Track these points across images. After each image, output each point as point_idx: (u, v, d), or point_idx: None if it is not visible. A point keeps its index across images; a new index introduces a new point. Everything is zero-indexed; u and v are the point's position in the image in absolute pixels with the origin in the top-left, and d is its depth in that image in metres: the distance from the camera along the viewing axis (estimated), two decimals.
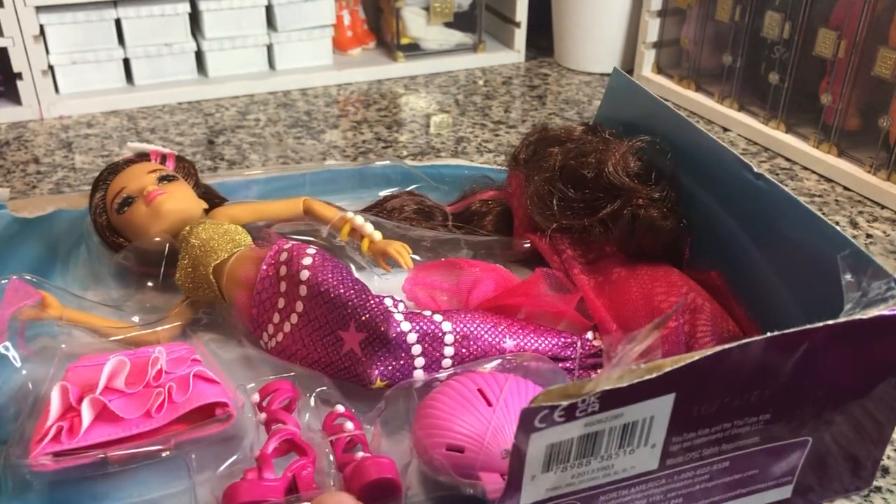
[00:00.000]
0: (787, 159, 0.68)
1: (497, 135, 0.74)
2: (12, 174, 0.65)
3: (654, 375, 0.24)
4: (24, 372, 0.37)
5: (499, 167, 0.64)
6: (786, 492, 0.31)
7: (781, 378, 0.27)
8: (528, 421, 0.24)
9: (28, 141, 0.72)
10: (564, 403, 0.24)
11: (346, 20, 0.88)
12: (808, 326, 0.25)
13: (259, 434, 0.33)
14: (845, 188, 0.63)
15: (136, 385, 0.33)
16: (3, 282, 0.40)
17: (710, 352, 0.24)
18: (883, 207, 0.60)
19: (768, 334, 0.25)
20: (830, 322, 0.26)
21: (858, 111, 0.63)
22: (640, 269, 0.44)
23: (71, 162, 0.68)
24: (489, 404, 0.32)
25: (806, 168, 0.66)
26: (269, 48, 0.83)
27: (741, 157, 0.41)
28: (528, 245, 0.50)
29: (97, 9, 0.74)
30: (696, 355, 0.24)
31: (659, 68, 0.83)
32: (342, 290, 0.38)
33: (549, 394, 0.24)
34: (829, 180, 0.65)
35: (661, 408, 0.26)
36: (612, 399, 0.24)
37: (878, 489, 0.34)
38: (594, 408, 0.24)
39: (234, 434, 0.33)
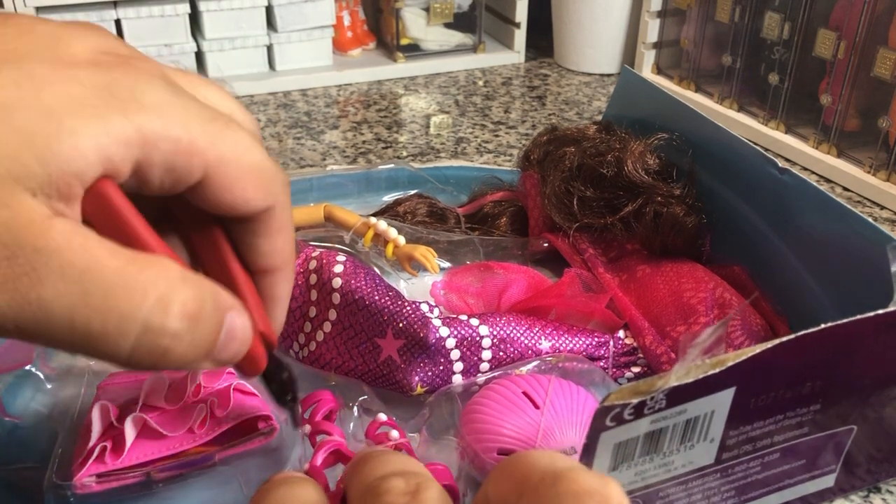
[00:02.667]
0: (787, 160, 0.69)
1: (497, 135, 0.74)
2: None
3: (718, 370, 0.24)
4: (52, 391, 0.36)
5: (499, 167, 0.64)
6: (829, 481, 0.32)
7: (833, 368, 0.27)
8: (601, 420, 0.24)
9: None
10: (635, 401, 0.24)
11: (346, 21, 0.88)
12: (863, 316, 0.26)
13: (305, 446, 0.32)
14: (845, 188, 0.65)
15: (175, 401, 0.32)
16: None
17: (769, 344, 0.25)
18: (882, 208, 0.62)
19: (822, 326, 0.26)
20: (882, 311, 0.26)
21: (858, 112, 0.65)
22: (664, 266, 0.45)
23: None
24: (536, 407, 0.32)
25: (806, 168, 0.68)
26: (269, 49, 0.82)
27: (764, 152, 0.42)
28: (547, 245, 0.50)
29: (97, 9, 0.73)
30: (757, 348, 0.25)
31: (659, 69, 0.84)
32: (377, 297, 0.38)
33: (620, 392, 0.24)
34: (828, 181, 0.66)
35: (722, 402, 0.26)
36: (678, 395, 0.25)
37: (878, 489, 0.34)
38: (661, 404, 0.25)
39: (278, 447, 0.33)
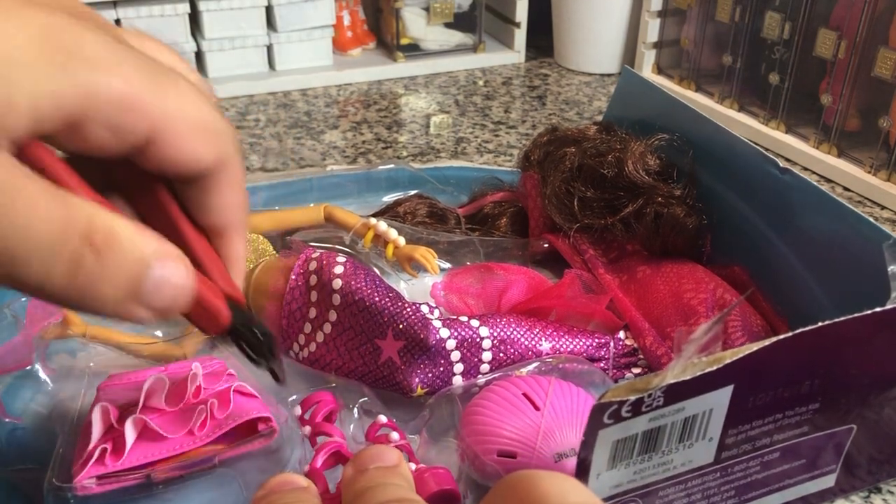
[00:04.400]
0: (788, 160, 0.69)
1: (497, 135, 0.74)
2: None
3: (714, 368, 0.25)
4: (52, 392, 0.36)
5: (499, 167, 0.64)
6: (829, 481, 0.32)
7: (831, 367, 0.27)
8: (598, 417, 0.24)
9: None
10: (632, 398, 0.24)
11: (346, 20, 0.88)
12: (860, 314, 0.26)
13: (305, 447, 0.32)
14: (845, 188, 0.64)
15: (176, 403, 0.32)
16: (22, 300, 0.39)
17: (767, 342, 0.25)
18: (883, 208, 0.61)
19: (820, 323, 0.26)
20: (879, 310, 0.26)
21: (858, 111, 0.65)
22: (664, 267, 0.45)
23: None
24: (536, 408, 0.32)
25: (806, 168, 0.68)
26: (269, 48, 0.82)
27: (764, 152, 0.42)
28: (547, 245, 0.50)
29: (97, 9, 0.73)
30: (754, 346, 0.25)
31: (659, 69, 0.84)
32: (377, 298, 0.38)
33: (617, 390, 0.24)
34: (828, 181, 0.66)
35: (720, 400, 0.26)
36: (676, 393, 0.25)
37: (878, 489, 0.34)
38: (659, 402, 0.25)
39: (278, 448, 0.33)
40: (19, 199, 0.15)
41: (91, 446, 0.30)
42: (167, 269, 0.17)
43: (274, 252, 0.43)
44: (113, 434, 0.31)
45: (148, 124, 0.17)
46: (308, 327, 0.39)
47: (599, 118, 0.67)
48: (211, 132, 0.18)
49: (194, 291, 0.19)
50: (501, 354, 0.38)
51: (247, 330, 0.21)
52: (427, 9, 0.87)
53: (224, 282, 0.21)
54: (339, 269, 0.39)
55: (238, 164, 0.20)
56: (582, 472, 0.25)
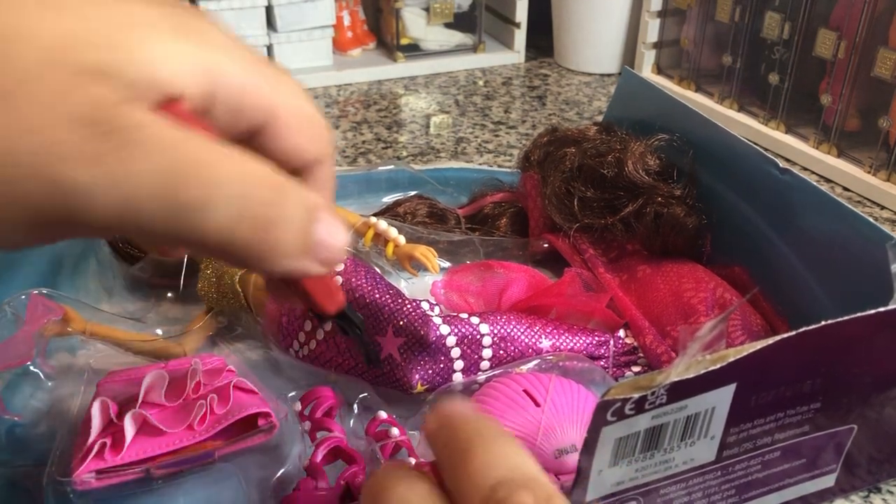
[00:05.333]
0: (787, 160, 0.69)
1: (497, 135, 0.74)
2: None
3: (718, 366, 0.24)
4: (52, 389, 0.36)
5: (500, 168, 0.64)
6: (829, 481, 0.32)
7: (833, 366, 0.27)
8: (602, 415, 0.24)
9: None
10: (636, 396, 0.24)
11: (346, 21, 0.88)
12: (863, 314, 0.26)
13: (305, 443, 0.32)
14: (845, 188, 0.65)
15: (175, 398, 0.32)
16: (22, 297, 0.38)
17: (770, 341, 0.25)
18: (883, 208, 0.62)
19: (823, 323, 0.26)
20: (882, 310, 0.26)
21: (858, 112, 0.65)
22: (664, 266, 0.45)
23: None
24: (537, 405, 0.32)
25: (806, 168, 0.68)
26: (269, 48, 0.82)
27: (764, 152, 0.42)
28: (547, 245, 0.50)
29: None
30: (757, 345, 0.25)
31: (659, 69, 0.84)
32: (377, 296, 0.38)
33: (621, 387, 0.24)
34: (828, 181, 0.66)
35: (723, 398, 0.26)
36: (679, 391, 0.25)
37: (878, 489, 0.34)
38: (662, 400, 0.25)
39: (278, 444, 0.33)
40: (186, 150, 0.15)
41: (90, 441, 0.30)
42: (328, 220, 0.18)
43: None
44: (112, 429, 0.31)
45: (263, 113, 0.18)
46: (308, 325, 0.39)
47: (599, 118, 0.67)
48: (316, 129, 0.19)
49: (343, 248, 0.19)
50: (502, 352, 0.38)
51: (350, 313, 0.23)
52: (427, 9, 0.87)
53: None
54: (339, 267, 0.39)
55: (332, 163, 0.21)
56: (583, 468, 0.25)
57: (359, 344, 0.24)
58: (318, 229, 0.18)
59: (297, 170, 0.20)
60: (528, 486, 0.15)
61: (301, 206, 0.17)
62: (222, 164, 0.16)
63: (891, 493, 0.34)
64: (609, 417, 0.24)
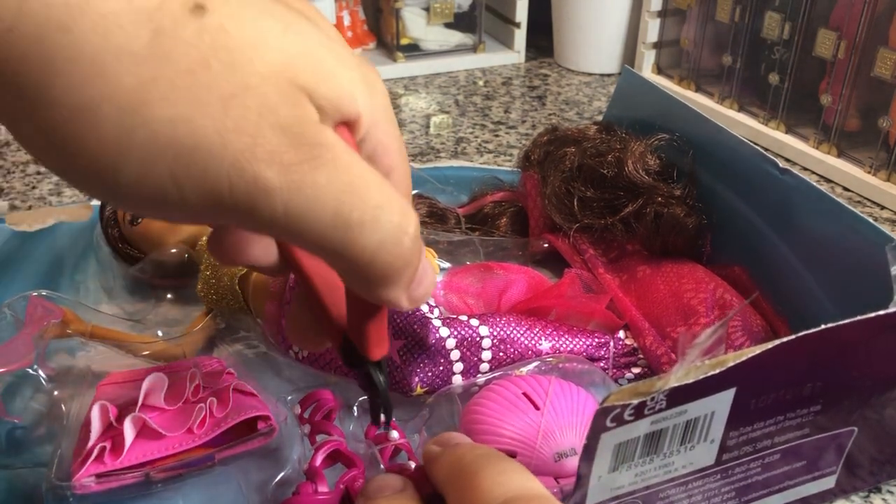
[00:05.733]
0: (787, 160, 0.69)
1: (497, 135, 0.74)
2: (12, 174, 0.64)
3: (717, 371, 0.24)
4: (51, 392, 0.36)
5: (499, 167, 0.64)
6: (830, 482, 0.32)
7: (833, 369, 0.27)
8: (601, 420, 0.24)
9: None
10: (635, 402, 0.24)
11: (346, 21, 0.88)
12: (862, 317, 0.26)
13: (305, 446, 0.32)
14: (845, 189, 0.64)
15: (175, 401, 0.32)
16: (22, 300, 0.38)
17: (769, 345, 0.25)
18: (883, 208, 0.61)
19: (822, 326, 0.26)
20: (882, 312, 0.26)
21: (858, 112, 0.65)
22: (664, 267, 0.44)
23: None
24: (536, 408, 0.32)
25: (806, 168, 0.68)
26: None
27: (764, 152, 0.42)
28: (547, 245, 0.50)
29: None
30: (757, 349, 0.25)
31: (659, 69, 0.84)
32: None
33: (620, 393, 0.24)
34: (828, 181, 0.66)
35: (722, 402, 0.26)
36: (678, 396, 0.25)
37: (878, 489, 0.34)
38: (661, 405, 0.25)
39: (277, 447, 0.33)
40: (361, 174, 0.17)
41: (90, 445, 0.30)
42: (426, 262, 0.19)
43: None
44: (112, 432, 0.31)
45: (384, 169, 0.20)
46: None
47: (599, 118, 0.67)
48: (399, 142, 0.21)
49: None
50: (501, 354, 0.38)
51: (383, 367, 0.23)
52: (427, 9, 0.87)
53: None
54: None
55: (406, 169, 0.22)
56: (583, 474, 0.25)
57: (376, 402, 0.24)
58: (420, 270, 0.19)
59: (384, 168, 0.21)
60: (539, 502, 0.16)
61: (420, 248, 0.19)
62: (382, 191, 0.17)
63: (890, 492, 0.34)
64: (608, 423, 0.24)
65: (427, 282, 0.19)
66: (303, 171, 0.16)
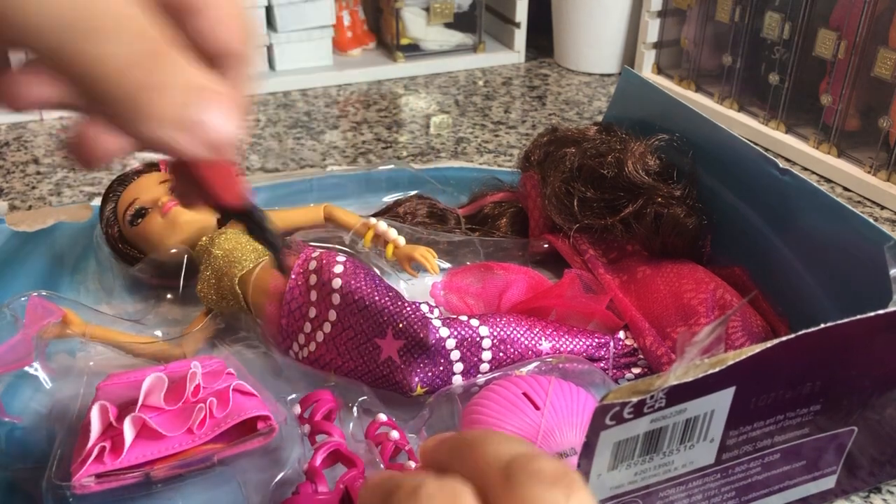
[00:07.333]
0: (787, 160, 0.69)
1: (497, 135, 0.74)
2: (12, 174, 0.64)
3: (717, 370, 0.24)
4: (51, 392, 0.36)
5: (499, 167, 0.64)
6: (830, 482, 0.32)
7: (833, 368, 0.27)
8: (600, 419, 0.24)
9: (28, 141, 0.70)
10: (634, 400, 0.24)
11: (346, 21, 0.88)
12: (862, 317, 0.26)
13: (305, 446, 0.32)
14: (845, 188, 0.64)
15: (175, 401, 0.32)
16: (22, 300, 0.38)
17: (769, 344, 0.25)
18: (883, 208, 0.61)
19: (822, 325, 0.26)
20: (881, 312, 0.26)
21: (858, 112, 0.65)
22: (664, 267, 0.44)
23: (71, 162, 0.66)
24: (536, 408, 0.32)
25: (806, 168, 0.68)
26: (269, 49, 0.82)
27: (764, 153, 0.42)
28: (547, 246, 0.50)
29: None
30: (756, 348, 0.25)
31: (659, 69, 0.84)
32: (377, 298, 0.37)
33: (619, 391, 0.24)
34: (828, 181, 0.66)
35: (722, 401, 0.26)
36: (678, 394, 0.25)
37: (878, 489, 0.34)
38: (661, 403, 0.25)
39: (277, 447, 0.33)
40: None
41: (90, 445, 0.30)
42: (218, 106, 0.19)
43: None
44: (112, 432, 0.31)
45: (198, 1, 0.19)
46: (308, 327, 0.39)
47: (599, 118, 0.67)
48: (243, 25, 0.20)
49: (233, 139, 0.19)
50: (501, 354, 0.38)
51: (256, 211, 0.23)
52: (427, 9, 0.87)
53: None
54: (338, 269, 0.39)
55: (248, 64, 0.21)
56: (582, 472, 0.25)
57: (265, 244, 0.24)
58: (202, 109, 0.18)
59: (212, 59, 0.20)
60: (543, 458, 0.16)
61: (184, 78, 0.18)
62: (123, 6, 0.16)
63: (890, 492, 0.34)
64: (608, 421, 0.24)
65: (220, 124, 0.19)
66: None
